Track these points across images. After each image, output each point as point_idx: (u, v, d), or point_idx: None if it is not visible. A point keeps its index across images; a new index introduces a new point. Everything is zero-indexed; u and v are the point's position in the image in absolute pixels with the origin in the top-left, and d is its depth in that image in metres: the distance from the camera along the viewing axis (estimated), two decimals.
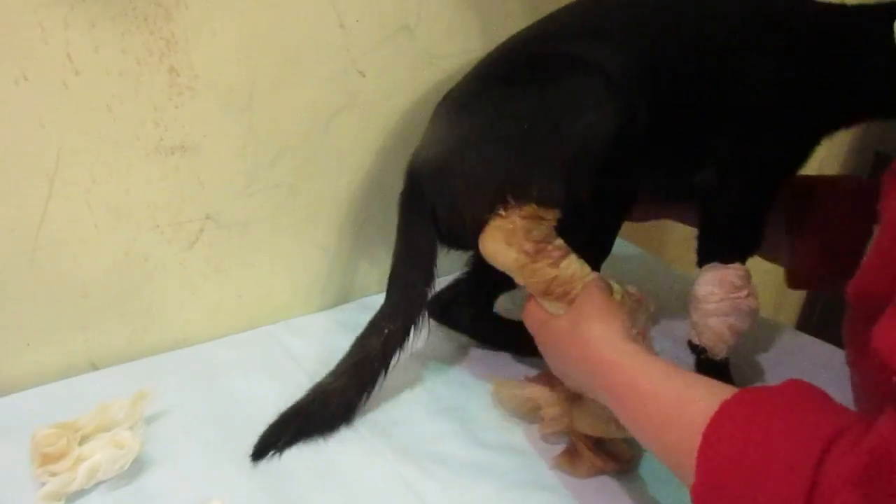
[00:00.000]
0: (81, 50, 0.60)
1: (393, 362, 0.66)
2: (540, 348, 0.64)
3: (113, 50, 0.61)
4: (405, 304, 0.67)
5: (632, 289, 0.64)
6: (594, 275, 0.63)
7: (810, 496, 0.35)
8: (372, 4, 0.74)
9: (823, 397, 0.43)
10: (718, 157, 0.69)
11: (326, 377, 0.66)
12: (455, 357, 0.77)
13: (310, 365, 0.73)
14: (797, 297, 1.59)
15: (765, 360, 0.79)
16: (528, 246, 0.63)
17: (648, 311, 0.64)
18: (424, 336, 0.79)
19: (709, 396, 0.44)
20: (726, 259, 0.68)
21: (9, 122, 0.59)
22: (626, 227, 0.81)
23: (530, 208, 0.63)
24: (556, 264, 0.63)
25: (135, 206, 0.68)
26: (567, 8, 0.72)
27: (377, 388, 0.66)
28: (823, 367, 0.66)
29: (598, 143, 0.64)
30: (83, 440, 0.60)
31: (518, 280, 0.64)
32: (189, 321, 0.76)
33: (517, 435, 0.66)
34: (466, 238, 0.66)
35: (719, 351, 0.67)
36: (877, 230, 0.48)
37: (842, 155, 1.48)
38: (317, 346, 0.76)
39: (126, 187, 0.67)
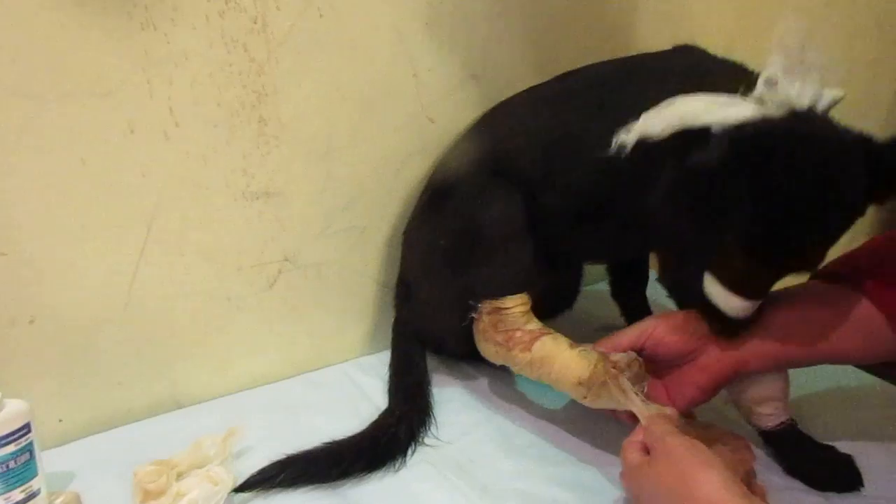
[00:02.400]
0: (182, 104, 0.64)
1: (410, 447, 0.69)
2: (633, 478, 0.59)
3: (210, 103, 0.65)
4: (409, 405, 0.73)
5: (618, 356, 0.65)
6: (579, 348, 0.66)
7: None
8: (443, 55, 0.78)
9: None
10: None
11: (345, 438, 0.68)
12: (521, 399, 0.79)
13: (382, 402, 0.75)
14: None
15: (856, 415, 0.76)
16: (499, 337, 0.69)
17: (632, 371, 0.64)
18: (491, 378, 0.82)
19: None
20: None
21: (116, 171, 0.63)
22: None
23: (489, 305, 0.70)
24: (527, 348, 0.68)
25: (222, 249, 0.71)
26: (498, 107, 0.78)
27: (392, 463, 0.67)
28: None
29: (511, 227, 0.71)
30: (179, 476, 0.62)
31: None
32: (266, 359, 0.78)
33: (591, 472, 0.67)
34: (454, 349, 0.79)
35: (767, 421, 0.65)
36: None
37: None
38: (387, 383, 0.78)
39: (215, 231, 0.70)
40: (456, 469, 0.67)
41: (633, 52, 0.82)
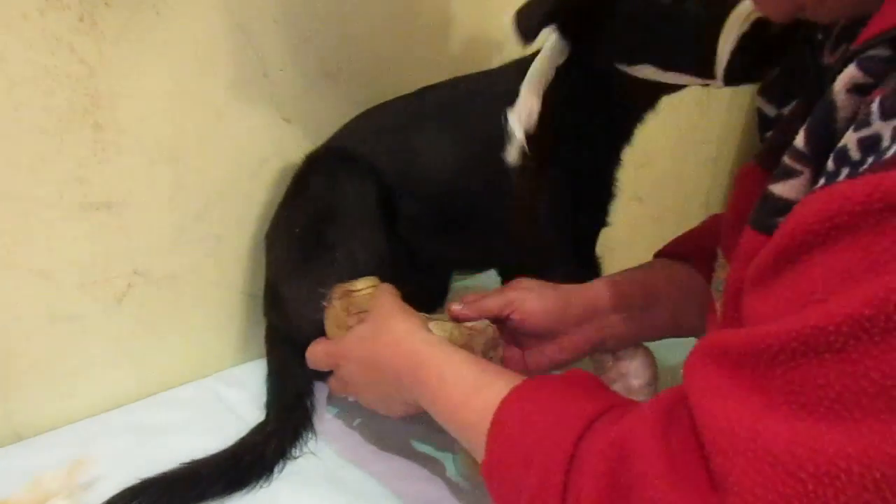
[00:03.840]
0: (1, 110, 0.58)
1: (277, 465, 0.66)
2: (343, 373, 0.65)
3: (35, 109, 0.60)
4: (283, 420, 0.70)
5: (472, 323, 0.66)
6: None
7: (569, 465, 0.41)
8: (295, 54, 0.75)
9: (598, 384, 0.50)
10: None
11: (205, 457, 0.64)
12: None
13: (250, 416, 0.72)
14: None
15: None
16: (352, 321, 0.66)
17: (487, 337, 0.66)
18: None
19: (502, 382, 0.50)
20: None
21: None
22: None
23: (339, 289, 0.68)
24: None
25: (59, 266, 0.66)
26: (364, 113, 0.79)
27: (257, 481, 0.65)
28: None
29: (363, 208, 0.71)
30: None
31: None
32: (120, 381, 0.73)
33: (463, 467, 0.68)
34: None
35: None
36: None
37: (727, 175, 1.61)
38: (255, 395, 0.75)
39: (50, 247, 0.65)
40: (327, 478, 0.66)
41: (485, 52, 0.83)
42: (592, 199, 0.73)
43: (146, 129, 0.67)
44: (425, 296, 0.81)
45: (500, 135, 0.66)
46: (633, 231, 1.36)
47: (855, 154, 0.33)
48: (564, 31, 0.62)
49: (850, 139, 0.34)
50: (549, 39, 0.64)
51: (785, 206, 0.39)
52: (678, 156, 1.43)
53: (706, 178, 1.49)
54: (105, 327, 0.71)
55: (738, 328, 0.37)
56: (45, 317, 0.67)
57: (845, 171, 0.33)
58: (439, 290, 0.84)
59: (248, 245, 0.79)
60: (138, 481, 0.60)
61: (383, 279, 0.68)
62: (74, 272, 0.67)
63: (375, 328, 0.62)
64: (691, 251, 0.69)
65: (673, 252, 0.71)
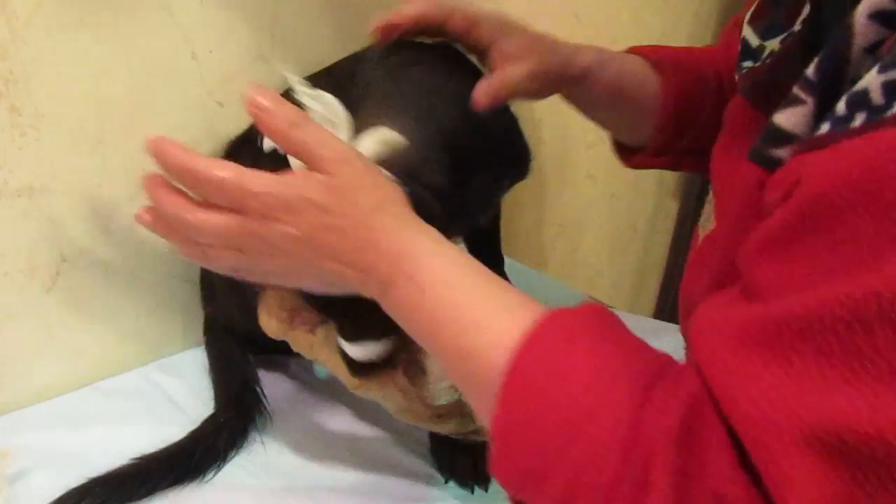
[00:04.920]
0: None
1: (230, 454, 0.66)
2: (244, 222, 0.46)
3: None
4: (233, 409, 0.69)
5: None
6: None
7: (628, 447, 0.33)
8: (224, 35, 0.74)
9: (622, 325, 0.41)
10: None
11: (156, 451, 0.63)
12: (329, 386, 0.77)
13: (189, 405, 0.71)
14: (653, 287, 1.72)
15: None
16: (283, 314, 0.65)
17: None
18: (301, 371, 0.80)
19: (523, 311, 0.39)
20: None
21: None
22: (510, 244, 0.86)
23: None
24: (312, 331, 0.64)
25: None
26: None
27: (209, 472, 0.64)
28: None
29: None
30: None
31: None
32: (51, 371, 0.72)
33: (403, 454, 0.68)
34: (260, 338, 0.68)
35: None
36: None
37: None
38: (194, 383, 0.74)
39: None
40: (264, 467, 0.65)
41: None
42: None
43: (68, 112, 0.65)
44: None
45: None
46: (586, 209, 1.37)
47: (878, 98, 0.29)
48: None
49: (871, 81, 0.30)
50: None
51: (783, 136, 0.36)
52: None
53: None
54: (34, 317, 0.69)
55: (753, 301, 0.33)
56: None
57: (861, 117, 0.29)
58: None
59: None
60: (86, 480, 0.58)
61: None
62: None
63: (338, 195, 0.44)
64: (662, 58, 0.68)
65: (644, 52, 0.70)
